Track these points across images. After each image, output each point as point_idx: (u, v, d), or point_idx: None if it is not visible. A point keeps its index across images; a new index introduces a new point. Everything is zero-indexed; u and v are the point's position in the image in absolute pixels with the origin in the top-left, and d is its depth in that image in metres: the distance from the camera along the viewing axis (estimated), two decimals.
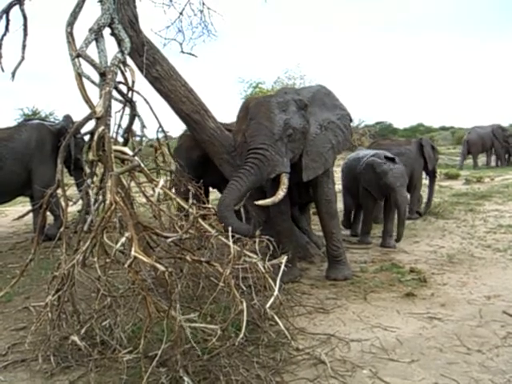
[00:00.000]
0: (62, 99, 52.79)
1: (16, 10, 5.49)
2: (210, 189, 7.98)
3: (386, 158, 7.18)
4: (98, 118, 4.04)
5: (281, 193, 4.93)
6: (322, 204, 5.65)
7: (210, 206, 4.24)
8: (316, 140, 5.40)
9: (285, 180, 4.95)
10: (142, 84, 5.65)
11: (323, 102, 5.62)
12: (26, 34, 5.51)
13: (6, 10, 5.46)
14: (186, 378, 3.12)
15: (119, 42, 4.77)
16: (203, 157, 6.78)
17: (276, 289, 3.64)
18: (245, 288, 3.70)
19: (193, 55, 7.19)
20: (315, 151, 5.38)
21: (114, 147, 4.01)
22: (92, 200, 3.99)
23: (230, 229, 4.01)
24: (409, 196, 8.38)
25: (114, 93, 4.39)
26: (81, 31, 4.56)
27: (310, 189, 5.59)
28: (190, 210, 3.99)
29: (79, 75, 4.33)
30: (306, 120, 5.24)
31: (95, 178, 4.15)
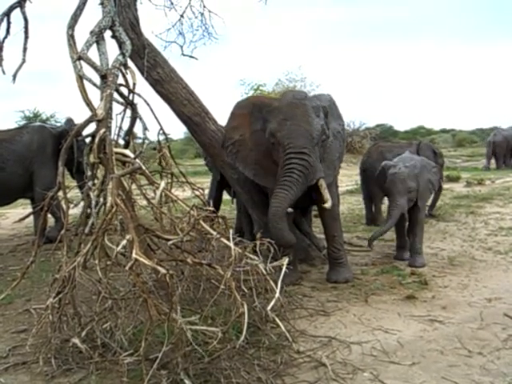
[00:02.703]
0: (64, 101, 52.94)
1: (17, 12, 5.49)
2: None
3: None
4: (99, 121, 4.04)
5: (329, 196, 5.07)
6: (325, 208, 5.65)
7: (211, 208, 4.22)
8: (331, 148, 5.49)
9: (324, 184, 5.06)
10: (143, 86, 5.66)
11: (332, 112, 5.69)
12: (26, 37, 5.51)
13: (7, 13, 5.46)
14: (186, 381, 3.13)
15: (120, 45, 4.77)
16: None
17: (277, 291, 3.64)
18: (246, 290, 3.70)
19: (193, 58, 7.21)
20: (329, 159, 5.49)
21: (115, 150, 4.01)
22: (93, 202, 3.99)
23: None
24: None
25: (115, 95, 4.39)
26: (82, 34, 4.57)
27: (312, 192, 5.59)
28: (192, 211, 3.98)
29: (80, 78, 4.33)
30: (328, 128, 5.32)
31: (96, 181, 4.14)
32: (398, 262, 6.36)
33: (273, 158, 5.26)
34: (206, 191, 5.56)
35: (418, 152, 8.86)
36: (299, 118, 5.03)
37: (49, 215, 7.22)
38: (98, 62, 4.49)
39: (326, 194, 5.08)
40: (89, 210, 4.03)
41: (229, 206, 9.01)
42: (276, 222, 4.77)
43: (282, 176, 4.87)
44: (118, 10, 5.35)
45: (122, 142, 4.71)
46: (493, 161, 21.53)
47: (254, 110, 5.54)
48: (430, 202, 9.48)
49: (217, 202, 7.90)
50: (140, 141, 4.80)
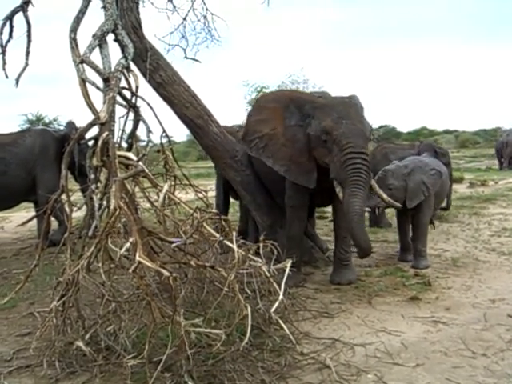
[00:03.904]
0: (67, 104, 53.06)
1: (20, 16, 5.51)
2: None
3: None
4: (102, 124, 4.05)
5: (384, 195, 5.24)
6: (341, 207, 5.65)
7: (214, 210, 4.23)
8: None
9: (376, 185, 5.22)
10: (146, 89, 5.66)
11: None
12: (29, 41, 5.53)
13: (10, 17, 5.49)
14: (190, 383, 3.13)
15: (123, 48, 4.78)
16: None
17: (281, 293, 3.65)
18: (249, 293, 3.70)
19: (196, 60, 7.22)
20: None
21: (118, 153, 4.01)
22: (96, 205, 4.00)
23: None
24: None
25: (118, 98, 4.40)
26: (84, 37, 4.58)
27: (330, 193, 5.57)
28: (195, 214, 3.99)
29: (83, 81, 4.34)
30: None
31: (99, 184, 4.15)
32: (402, 264, 6.35)
33: (310, 155, 5.25)
34: (209, 194, 5.54)
35: (419, 152, 8.77)
36: (353, 117, 5.05)
37: (52, 218, 7.26)
38: (100, 66, 4.50)
39: (381, 192, 5.24)
40: (92, 213, 4.04)
41: (232, 209, 9.01)
42: (362, 221, 4.86)
43: (349, 176, 4.83)
44: (121, 14, 5.37)
45: (125, 144, 4.73)
46: (495, 161, 21.63)
47: (291, 104, 5.42)
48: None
49: (225, 205, 7.93)
50: (143, 144, 4.81)
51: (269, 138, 5.42)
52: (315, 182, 5.26)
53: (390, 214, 8.82)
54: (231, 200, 8.15)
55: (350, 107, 5.12)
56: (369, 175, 4.93)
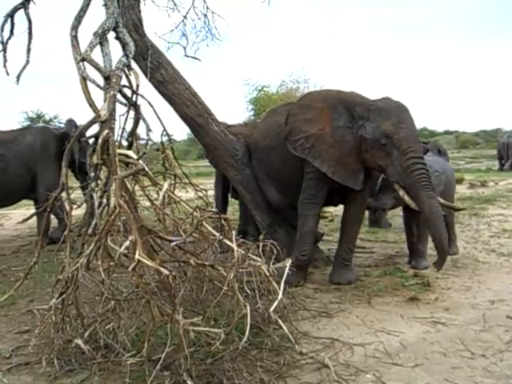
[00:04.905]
0: (67, 102, 53.06)
1: (21, 13, 5.51)
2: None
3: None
4: (102, 122, 4.04)
5: (408, 198, 5.17)
6: (354, 208, 5.69)
7: (214, 209, 4.23)
8: None
9: None
10: (147, 88, 5.66)
11: None
12: (30, 38, 5.53)
13: (11, 14, 5.48)
14: (189, 382, 3.13)
15: (124, 46, 4.77)
16: None
17: (280, 292, 3.64)
18: (249, 292, 3.70)
19: (196, 59, 7.20)
20: None
21: (119, 151, 4.01)
22: (96, 203, 4.00)
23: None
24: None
25: (119, 96, 4.39)
26: (85, 35, 4.57)
27: (346, 194, 5.60)
28: (195, 213, 3.99)
29: (84, 79, 4.33)
30: None
31: (99, 182, 4.15)
32: (401, 264, 6.35)
33: (358, 157, 5.25)
34: (209, 192, 5.52)
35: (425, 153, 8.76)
36: (409, 122, 5.13)
37: (52, 216, 7.27)
38: (101, 64, 4.48)
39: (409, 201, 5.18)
40: (92, 211, 4.04)
41: (232, 208, 9.01)
42: (440, 217, 4.90)
43: (419, 180, 4.90)
44: (122, 12, 5.35)
45: (125, 143, 4.71)
46: (495, 162, 21.67)
47: (339, 105, 5.38)
48: None
49: (224, 204, 7.94)
50: (143, 142, 4.80)
51: (316, 138, 5.33)
52: (361, 184, 5.32)
53: (390, 214, 8.82)
54: (231, 200, 8.15)
55: (405, 112, 5.18)
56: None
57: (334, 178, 5.23)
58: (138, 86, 4.68)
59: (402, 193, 5.11)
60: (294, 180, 5.71)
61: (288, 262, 4.03)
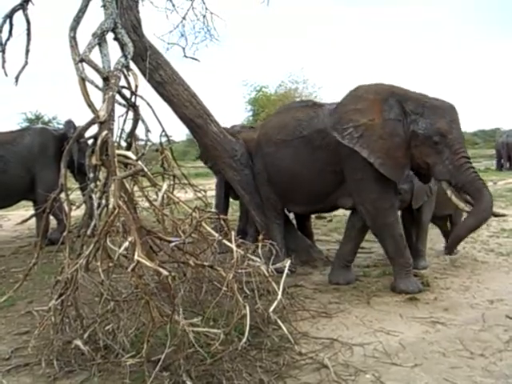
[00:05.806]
0: (66, 103, 53.00)
1: (19, 14, 5.51)
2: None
3: None
4: (101, 123, 4.04)
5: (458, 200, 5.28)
6: (366, 210, 5.61)
7: (213, 210, 4.23)
8: None
9: None
10: (145, 88, 5.66)
11: None
12: (29, 39, 5.54)
13: (10, 15, 5.49)
14: (188, 383, 3.14)
15: (122, 47, 4.77)
16: None
17: (279, 293, 3.65)
18: (248, 292, 3.70)
19: (195, 59, 7.20)
20: None
21: (118, 151, 4.01)
22: (95, 204, 4.00)
23: None
24: None
25: (118, 97, 4.39)
26: (84, 36, 4.57)
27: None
28: (194, 213, 3.99)
29: (82, 80, 4.33)
30: None
31: (98, 183, 4.15)
32: None
33: (406, 152, 5.20)
34: (208, 193, 5.51)
35: None
36: (459, 123, 5.21)
37: (51, 217, 7.27)
38: (100, 64, 4.49)
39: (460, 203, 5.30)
40: (91, 212, 4.04)
41: (231, 208, 9.00)
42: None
43: (474, 179, 5.03)
44: (120, 12, 5.36)
45: (124, 144, 4.72)
46: (494, 161, 21.69)
47: (391, 98, 5.30)
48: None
49: (225, 205, 7.95)
50: (142, 143, 4.80)
51: (365, 128, 5.23)
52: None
53: None
54: (231, 200, 8.16)
55: (457, 113, 5.23)
56: None
57: (380, 170, 5.15)
58: (136, 86, 4.68)
59: (449, 192, 5.14)
60: (301, 176, 5.71)
61: (287, 263, 4.03)
